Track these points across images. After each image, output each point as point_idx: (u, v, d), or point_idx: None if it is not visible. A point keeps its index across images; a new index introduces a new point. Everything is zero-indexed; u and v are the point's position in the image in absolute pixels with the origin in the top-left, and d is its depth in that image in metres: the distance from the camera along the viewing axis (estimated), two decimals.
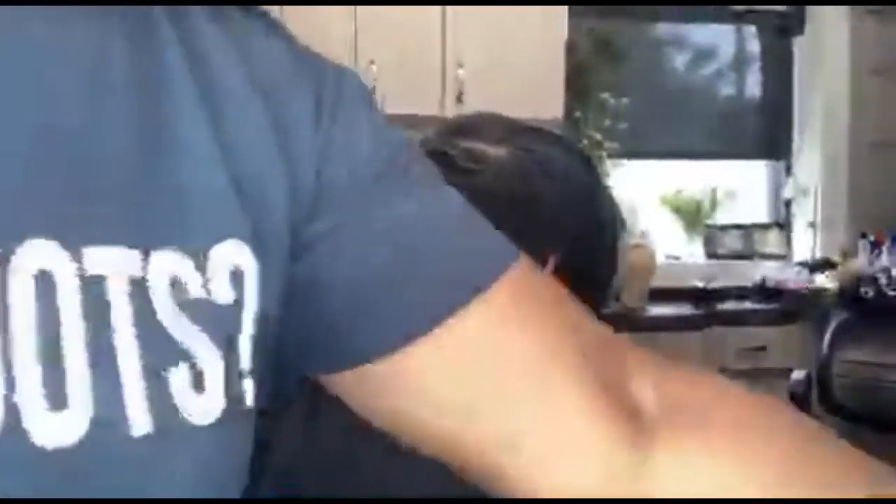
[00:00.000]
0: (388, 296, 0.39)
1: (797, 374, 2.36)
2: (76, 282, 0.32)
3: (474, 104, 2.78)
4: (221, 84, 0.38)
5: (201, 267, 0.35)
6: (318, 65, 0.42)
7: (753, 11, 3.49)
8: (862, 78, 3.28)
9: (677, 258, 3.38)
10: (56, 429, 0.30)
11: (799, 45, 3.55)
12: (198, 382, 0.35)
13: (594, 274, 0.71)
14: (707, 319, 2.83)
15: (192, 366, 0.35)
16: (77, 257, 0.32)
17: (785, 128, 3.53)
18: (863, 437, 2.42)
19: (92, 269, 0.32)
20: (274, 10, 2.48)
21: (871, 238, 3.01)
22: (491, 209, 0.66)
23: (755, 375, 2.87)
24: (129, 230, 0.34)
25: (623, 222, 0.75)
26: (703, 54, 3.47)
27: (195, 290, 0.35)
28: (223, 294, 0.36)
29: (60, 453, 0.30)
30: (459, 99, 2.78)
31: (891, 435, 2.27)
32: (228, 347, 0.36)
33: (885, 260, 2.87)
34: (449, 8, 2.77)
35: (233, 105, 0.37)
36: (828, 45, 3.36)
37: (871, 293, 2.68)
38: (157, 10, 0.37)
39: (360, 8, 2.70)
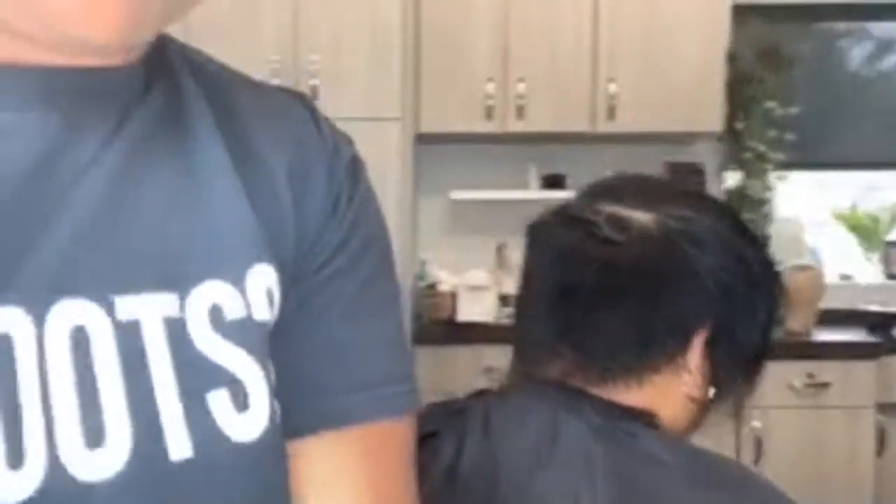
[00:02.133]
0: (289, 391, 0.42)
1: None
2: (110, 330, 0.35)
3: (627, 120, 2.72)
4: (248, 140, 0.43)
5: (241, 289, 0.39)
6: (338, 148, 0.47)
7: None
8: None
9: (850, 278, 3.12)
10: (97, 464, 0.34)
11: None
12: (241, 402, 0.38)
13: (747, 342, 0.68)
14: (883, 347, 2.59)
15: (235, 386, 0.38)
16: (110, 310, 0.35)
17: None
18: None
19: (125, 316, 0.36)
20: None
21: None
22: (636, 286, 0.65)
23: None
24: (164, 275, 0.37)
25: (781, 284, 0.71)
26: (881, 52, 3.17)
27: (237, 310, 0.39)
28: (262, 312, 0.40)
29: (104, 486, 0.34)
30: (611, 115, 2.73)
31: None
32: (266, 365, 0.40)
33: None
34: (602, 18, 2.72)
35: (258, 166, 0.42)
36: None
37: None
38: (184, 69, 0.42)
39: (510, 22, 2.71)
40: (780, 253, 3.06)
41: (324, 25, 2.37)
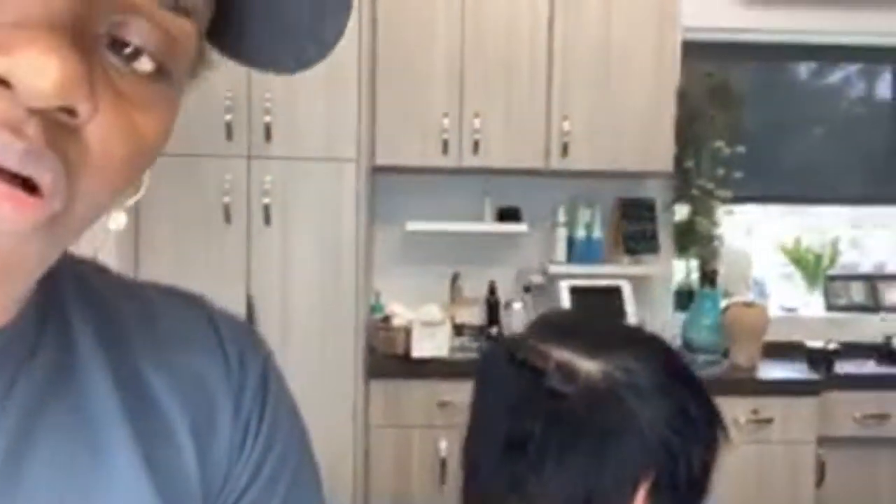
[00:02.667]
0: None
1: None
2: None
3: (580, 158, 2.76)
4: (146, 389, 0.41)
5: None
6: (244, 364, 0.46)
7: (884, 48, 3.28)
8: None
9: (794, 310, 3.22)
10: None
11: None
12: None
13: (688, 484, 0.70)
14: (824, 384, 2.67)
15: None
16: None
17: None
18: None
19: None
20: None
21: None
22: (582, 441, 0.67)
23: (877, 444, 2.70)
24: None
25: (722, 428, 0.73)
26: (831, 94, 3.29)
27: None
28: None
29: None
30: (565, 152, 2.77)
31: None
32: None
33: None
34: (556, 55, 2.76)
35: (156, 419, 0.41)
36: None
37: None
38: (77, 308, 0.41)
39: (466, 57, 2.73)
40: (729, 285, 3.16)
41: None
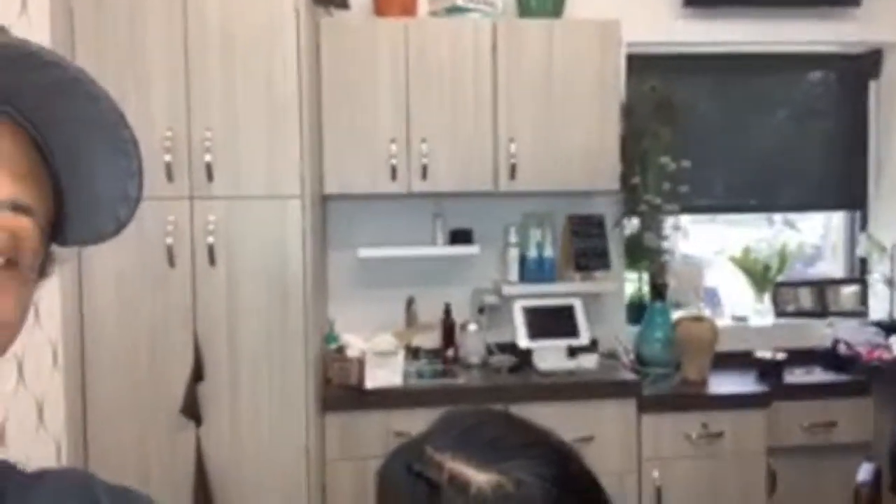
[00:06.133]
0: None
1: (865, 470, 2.26)
2: None
3: (528, 179, 2.78)
4: None
5: None
6: None
7: (826, 56, 3.35)
8: None
9: (745, 319, 3.28)
10: None
11: (874, 88, 3.39)
12: None
13: None
14: (773, 395, 2.73)
15: None
16: None
17: (860, 177, 3.38)
18: None
19: None
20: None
21: None
22: None
23: (825, 452, 2.77)
24: None
25: None
26: (772, 104, 3.34)
27: None
28: None
29: None
30: (513, 174, 2.78)
31: None
32: None
33: None
34: (500, 78, 2.77)
35: None
36: None
37: None
38: None
39: (410, 85, 2.73)
40: (680, 296, 3.21)
41: (217, 98, 2.34)
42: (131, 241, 2.29)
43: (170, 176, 2.30)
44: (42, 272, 0.51)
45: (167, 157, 2.29)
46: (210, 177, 2.31)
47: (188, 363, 2.33)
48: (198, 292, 2.34)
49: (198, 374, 2.33)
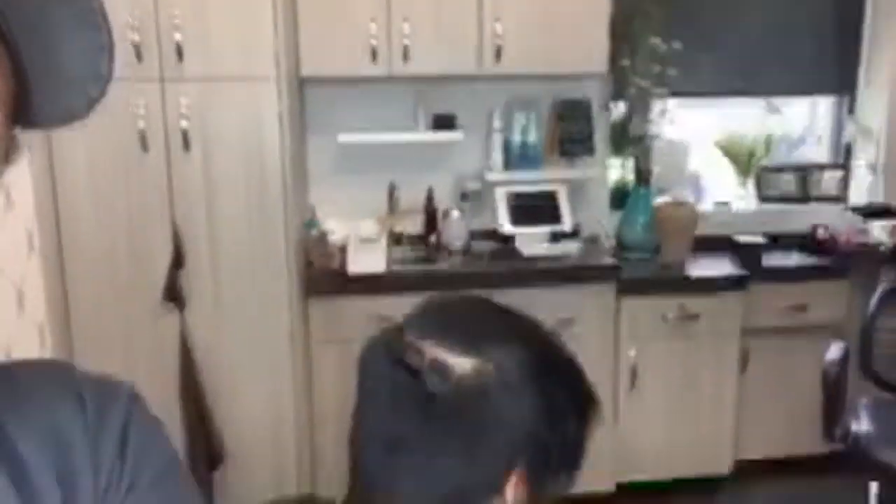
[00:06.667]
0: None
1: (834, 349, 2.32)
2: None
3: (514, 61, 2.69)
4: (9, 451, 0.48)
5: None
6: (103, 418, 0.53)
7: None
8: None
9: (727, 204, 3.28)
10: None
11: None
12: None
13: (564, 463, 0.74)
14: (750, 278, 2.77)
15: None
16: None
17: (851, 61, 3.30)
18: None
19: None
20: None
21: None
22: (450, 440, 0.69)
23: (798, 333, 2.84)
24: None
25: (595, 406, 0.76)
26: None
27: None
28: None
29: None
30: (498, 56, 2.69)
31: None
32: None
33: None
34: None
35: (18, 468, 0.48)
36: None
37: None
38: None
39: None
40: (665, 182, 3.19)
41: None
42: (101, 126, 2.22)
43: (139, 56, 2.20)
44: (6, 158, 0.47)
45: (135, 37, 2.18)
46: (180, 56, 2.21)
47: (168, 250, 2.31)
48: (173, 178, 2.29)
49: (178, 261, 2.32)
